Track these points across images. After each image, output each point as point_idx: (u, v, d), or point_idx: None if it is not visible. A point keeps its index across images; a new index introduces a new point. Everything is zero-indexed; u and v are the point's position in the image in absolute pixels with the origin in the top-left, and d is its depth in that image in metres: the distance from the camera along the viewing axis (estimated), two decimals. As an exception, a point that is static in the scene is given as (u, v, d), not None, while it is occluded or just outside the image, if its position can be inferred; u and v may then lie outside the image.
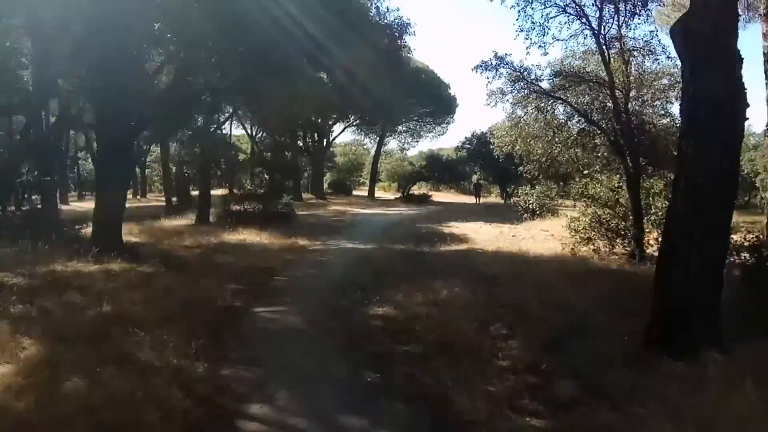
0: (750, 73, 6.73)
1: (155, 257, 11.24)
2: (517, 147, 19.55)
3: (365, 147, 58.96)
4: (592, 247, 11.56)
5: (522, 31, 11.61)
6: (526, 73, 11.90)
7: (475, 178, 43.37)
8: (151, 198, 40.36)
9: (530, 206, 22.04)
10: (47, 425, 4.07)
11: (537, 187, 22.93)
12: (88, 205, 28.77)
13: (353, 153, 58.62)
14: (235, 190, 30.17)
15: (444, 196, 44.02)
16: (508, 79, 12.15)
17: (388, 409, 4.62)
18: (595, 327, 6.11)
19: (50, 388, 4.64)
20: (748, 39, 18.62)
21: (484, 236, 16.30)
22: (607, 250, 11.44)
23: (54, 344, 5.64)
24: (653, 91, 11.89)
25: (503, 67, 11.96)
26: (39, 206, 17.22)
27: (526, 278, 9.09)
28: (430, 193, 42.06)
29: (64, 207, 23.24)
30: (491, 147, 31.63)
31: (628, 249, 11.03)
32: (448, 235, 16.34)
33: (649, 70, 11.90)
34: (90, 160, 45.41)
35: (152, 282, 9.09)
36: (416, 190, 43.68)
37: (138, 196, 39.88)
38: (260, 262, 11.58)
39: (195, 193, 30.56)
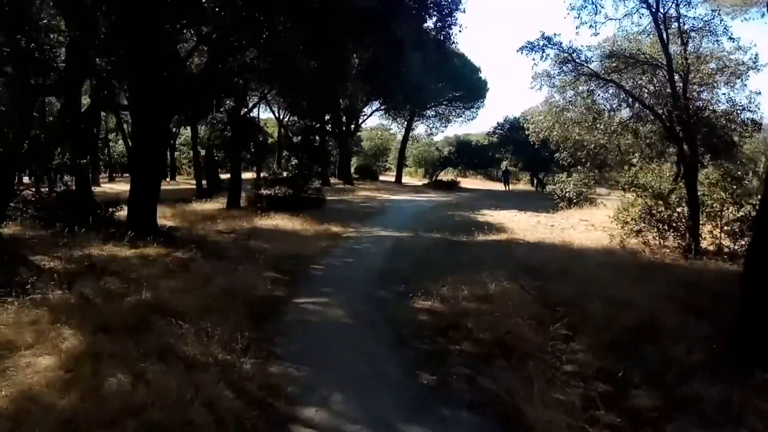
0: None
1: (190, 242, 11.09)
2: (555, 133, 18.95)
3: (391, 132, 58.53)
4: (641, 239, 11.01)
5: (573, 9, 11.00)
6: (575, 54, 11.28)
7: (504, 164, 42.56)
8: (180, 181, 40.58)
9: (567, 194, 21.38)
10: (94, 426, 3.84)
11: (574, 174, 22.21)
12: (120, 187, 29.07)
13: (379, 138, 58.19)
14: (263, 174, 30.19)
15: (472, 183, 43.39)
16: (556, 61, 11.55)
17: (451, 417, 4.29)
18: (665, 329, 5.66)
19: (94, 384, 4.43)
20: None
21: (522, 225, 15.79)
22: (658, 242, 10.88)
23: (95, 335, 5.44)
24: (710, 74, 11.18)
25: (551, 47, 11.38)
26: (73, 188, 17.35)
27: (577, 272, 8.62)
28: (459, 179, 41.52)
29: (96, 189, 23.42)
30: (524, 133, 31.10)
31: (680, 242, 10.46)
32: (484, 224, 15.88)
33: (707, 52, 11.18)
34: (121, 141, 45.98)
35: (190, 268, 8.94)
36: (444, 176, 43.14)
37: (167, 179, 40.16)
38: (295, 249, 11.32)
39: (224, 176, 30.79)
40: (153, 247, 10.33)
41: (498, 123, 39.57)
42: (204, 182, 27.51)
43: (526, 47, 11.66)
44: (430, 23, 10.35)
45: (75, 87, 9.71)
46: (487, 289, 7.61)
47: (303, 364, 5.21)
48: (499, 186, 40.21)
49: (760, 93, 11.33)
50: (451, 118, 43.07)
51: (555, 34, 11.40)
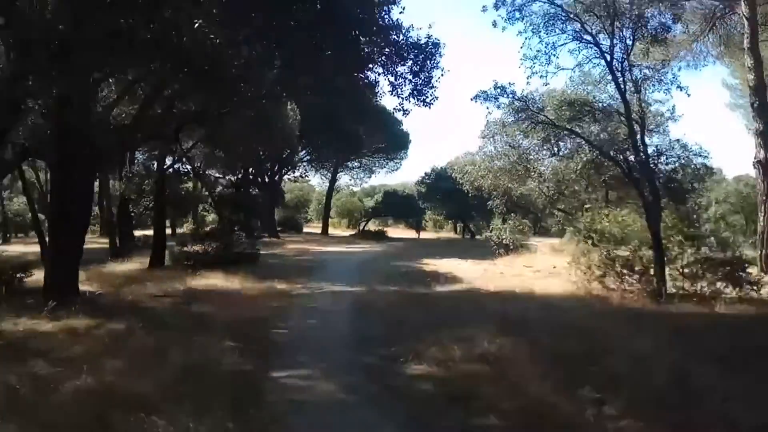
0: None
1: (122, 310, 9.69)
2: (489, 182, 19.21)
3: (310, 183, 57.99)
4: (602, 285, 10.95)
5: (527, 59, 11.12)
6: (530, 103, 11.36)
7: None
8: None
9: (504, 241, 21.53)
10: None
11: (509, 221, 22.52)
12: (18, 248, 26.04)
13: (299, 189, 57.47)
14: (181, 230, 28.22)
15: (396, 232, 43.41)
16: (511, 110, 11.57)
17: None
18: (705, 388, 5.26)
19: None
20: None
21: (472, 274, 15.50)
22: (619, 287, 10.86)
23: (40, 444, 4.22)
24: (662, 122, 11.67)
25: (505, 96, 11.39)
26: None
27: (562, 323, 8.25)
28: (385, 229, 41.40)
29: (-9, 251, 20.74)
30: (452, 182, 31.63)
31: (644, 287, 10.46)
32: (433, 274, 15.47)
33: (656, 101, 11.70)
34: (15, 199, 41.89)
35: (130, 342, 7.63)
36: (370, 226, 42.91)
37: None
38: (246, 312, 10.20)
39: (139, 233, 28.52)
40: (79, 318, 8.88)
41: (425, 173, 40.20)
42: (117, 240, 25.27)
43: (480, 96, 11.62)
44: (403, 68, 10.00)
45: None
46: (481, 347, 7.01)
47: (318, 462, 4.27)
48: (424, 234, 40.53)
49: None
50: (374, 168, 43.30)
51: (509, 83, 11.48)
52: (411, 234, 42.53)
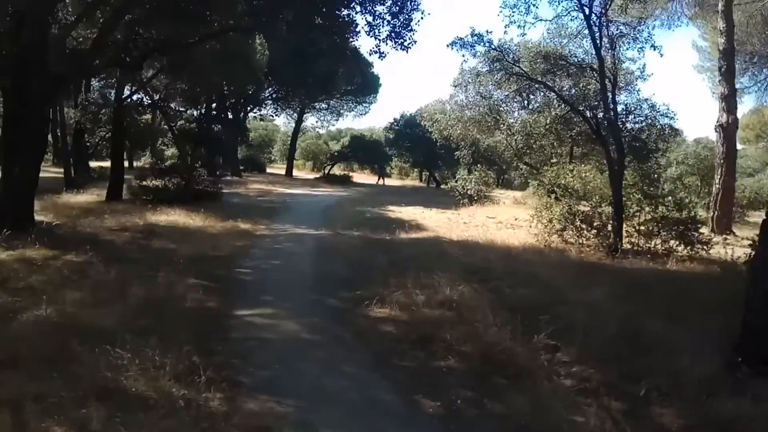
0: None
1: (80, 242, 9.42)
2: (458, 132, 19.16)
3: (275, 123, 56.80)
4: (562, 238, 11.27)
5: (506, 6, 10.89)
6: (506, 53, 11.23)
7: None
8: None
9: (468, 192, 21.76)
10: None
11: (474, 172, 22.68)
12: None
13: (264, 128, 56.20)
14: (139, 164, 27.28)
15: (360, 177, 43.27)
16: (487, 59, 11.43)
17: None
18: (653, 337, 5.57)
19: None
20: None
21: (436, 222, 15.69)
22: (577, 242, 11.20)
23: (2, 371, 4.16)
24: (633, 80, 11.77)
25: (482, 45, 11.22)
26: None
27: (523, 273, 8.50)
28: (350, 173, 41.18)
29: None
30: (419, 130, 31.44)
31: (601, 241, 10.83)
32: (397, 221, 15.59)
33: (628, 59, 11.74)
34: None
35: (90, 275, 7.50)
36: (335, 170, 42.58)
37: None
38: (209, 249, 10.12)
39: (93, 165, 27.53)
40: (35, 249, 8.61)
41: (394, 119, 39.79)
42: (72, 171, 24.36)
43: (456, 42, 11.42)
44: (382, 8, 9.60)
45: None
46: (444, 293, 7.18)
47: (283, 396, 4.36)
48: (390, 181, 40.53)
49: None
50: (342, 111, 42.58)
51: (487, 32, 11.28)
52: (376, 180, 42.50)
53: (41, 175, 12.15)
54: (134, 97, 21.51)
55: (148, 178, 18.49)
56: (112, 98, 21.70)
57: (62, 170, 24.02)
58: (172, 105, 29.36)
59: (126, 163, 27.45)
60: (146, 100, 22.63)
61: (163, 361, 4.47)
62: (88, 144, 25.24)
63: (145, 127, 24.10)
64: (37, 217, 11.94)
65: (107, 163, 24.35)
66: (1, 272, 7.25)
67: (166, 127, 29.49)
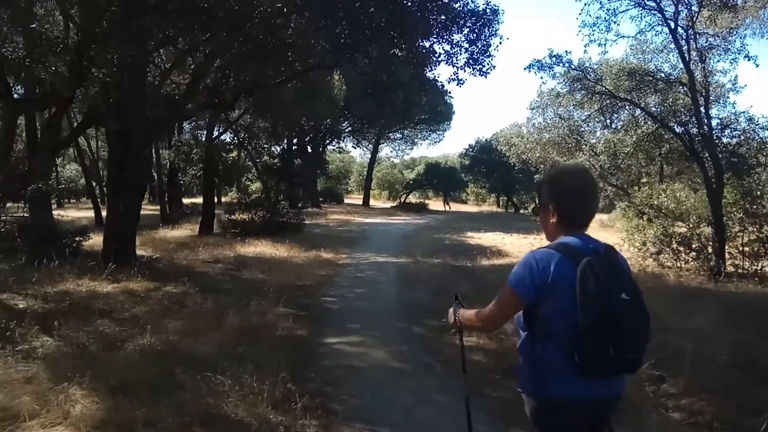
0: None
1: (177, 274, 9.99)
2: (537, 155, 18.77)
3: (351, 155, 58.14)
4: (657, 262, 10.65)
5: (585, 26, 10.68)
6: (587, 72, 10.94)
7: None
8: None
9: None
10: None
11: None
12: (72, 213, 27.10)
13: (341, 160, 57.65)
14: (227, 199, 28.63)
15: (436, 205, 43.23)
16: (567, 80, 11.19)
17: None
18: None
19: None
20: None
21: (518, 248, 15.36)
22: (675, 265, 10.54)
23: (113, 397, 4.42)
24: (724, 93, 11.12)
25: (561, 65, 11.02)
26: (26, 215, 15.70)
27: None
28: (426, 201, 41.26)
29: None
30: (496, 155, 31.10)
31: (701, 264, 10.12)
32: (477, 247, 15.37)
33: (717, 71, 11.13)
34: (68, 166, 43.49)
35: (188, 305, 7.90)
36: (411, 198, 42.82)
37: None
38: (295, 279, 10.43)
39: (186, 201, 29.30)
40: (137, 281, 9.23)
41: (469, 145, 39.65)
42: (167, 208, 26.06)
43: (534, 65, 11.29)
44: (459, 36, 9.67)
45: (66, 102, 8.46)
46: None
47: (377, 425, 4.34)
48: (468, 208, 40.22)
49: None
50: (416, 140, 42.96)
51: (566, 52, 11.09)
52: (455, 206, 42.27)
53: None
54: (222, 137, 22.74)
55: (236, 213, 19.43)
56: (203, 138, 23.10)
57: (158, 207, 25.77)
58: (258, 142, 30.93)
59: (215, 199, 29.07)
60: (233, 139, 23.83)
61: (260, 388, 4.58)
62: (181, 182, 26.87)
63: (232, 164, 25.34)
64: (138, 252, 12.84)
65: (198, 200, 25.89)
66: (108, 303, 7.77)
67: (250, 163, 31.01)
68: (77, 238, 12.65)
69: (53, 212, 17.68)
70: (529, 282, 2.10)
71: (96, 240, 13.29)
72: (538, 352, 2.14)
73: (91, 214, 24.23)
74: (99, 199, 26.49)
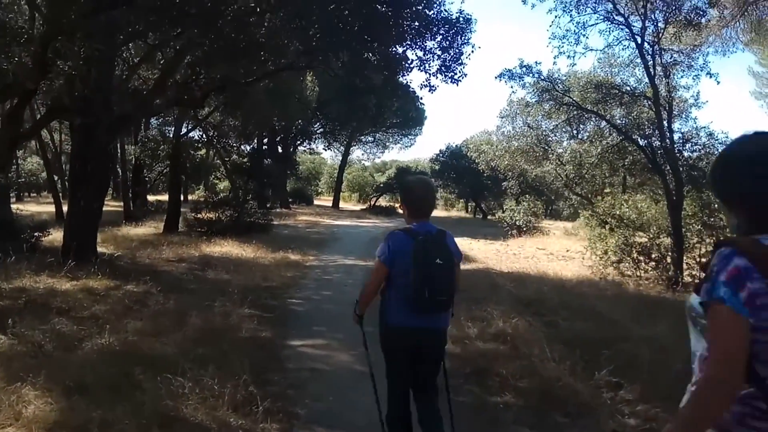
0: None
1: (139, 273, 9.78)
2: (505, 162, 19.05)
3: (321, 156, 57.97)
4: (618, 270, 10.92)
5: (555, 38, 10.91)
6: (556, 83, 11.19)
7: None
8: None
9: (516, 222, 21.48)
10: None
11: (523, 203, 22.41)
12: (32, 208, 26.28)
13: (312, 161, 57.43)
14: (193, 197, 28.22)
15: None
16: (536, 90, 11.41)
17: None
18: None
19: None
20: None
21: (485, 254, 15.52)
22: (634, 274, 10.82)
23: (69, 397, 4.31)
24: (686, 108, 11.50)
25: (531, 76, 11.23)
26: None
27: (579, 306, 8.26)
28: (396, 204, 41.41)
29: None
30: (466, 161, 31.42)
31: (659, 274, 10.42)
32: (445, 252, 15.49)
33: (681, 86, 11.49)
34: (29, 159, 42.17)
35: (149, 305, 7.75)
36: (381, 201, 42.93)
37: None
38: (261, 280, 10.32)
39: (151, 198, 28.71)
40: (98, 279, 9.03)
41: (440, 150, 39.90)
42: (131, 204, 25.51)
43: (505, 74, 11.47)
44: (432, 43, 9.75)
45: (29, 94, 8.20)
46: (498, 326, 7.05)
47: (339, 429, 4.35)
48: (437, 212, 40.40)
49: None
50: (388, 143, 43.10)
51: (536, 63, 11.32)
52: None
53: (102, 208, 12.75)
54: (190, 134, 22.41)
55: (203, 211, 19.13)
56: (170, 135, 22.70)
57: (122, 204, 25.19)
58: (227, 140, 30.59)
59: (182, 197, 28.60)
60: (202, 136, 23.51)
61: (221, 391, 4.52)
62: (146, 179, 26.36)
63: (200, 162, 24.98)
64: (99, 249, 12.53)
65: (164, 197, 25.42)
66: (66, 301, 7.57)
67: (219, 161, 30.63)
68: (36, 233, 12.29)
69: (12, 206, 17.13)
70: (388, 253, 3.36)
71: (56, 235, 12.94)
72: (388, 296, 3.47)
73: (51, 208, 23.51)
74: (60, 194, 25.73)
